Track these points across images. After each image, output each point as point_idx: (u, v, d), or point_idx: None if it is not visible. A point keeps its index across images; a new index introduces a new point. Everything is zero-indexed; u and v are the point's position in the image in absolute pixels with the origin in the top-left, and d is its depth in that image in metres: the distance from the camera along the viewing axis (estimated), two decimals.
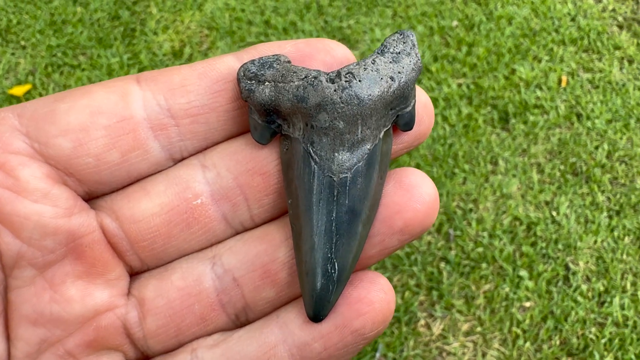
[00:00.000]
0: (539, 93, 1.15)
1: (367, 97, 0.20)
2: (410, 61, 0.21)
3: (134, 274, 0.23)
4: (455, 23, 1.27)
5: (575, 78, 1.17)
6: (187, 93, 0.21)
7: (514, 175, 1.04)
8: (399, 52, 0.21)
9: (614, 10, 1.29)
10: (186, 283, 0.22)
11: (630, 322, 0.89)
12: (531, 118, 1.11)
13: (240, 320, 0.22)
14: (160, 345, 0.22)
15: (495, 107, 1.13)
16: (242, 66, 0.21)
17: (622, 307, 0.90)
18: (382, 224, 0.21)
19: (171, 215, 0.22)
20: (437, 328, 0.90)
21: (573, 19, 1.27)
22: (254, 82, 0.21)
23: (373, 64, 0.20)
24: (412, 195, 0.21)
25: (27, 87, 1.19)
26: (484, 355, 0.87)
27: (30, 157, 0.20)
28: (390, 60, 0.21)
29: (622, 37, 1.24)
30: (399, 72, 0.21)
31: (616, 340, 0.87)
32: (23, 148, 0.20)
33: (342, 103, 0.20)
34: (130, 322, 0.22)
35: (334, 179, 0.20)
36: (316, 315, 0.20)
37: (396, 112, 0.21)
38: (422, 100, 0.22)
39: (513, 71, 1.19)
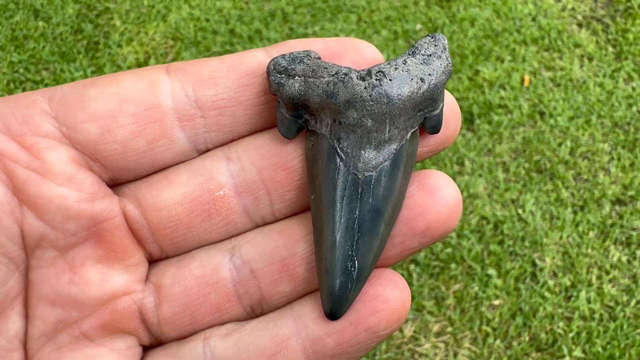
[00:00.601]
0: (502, 93, 1.17)
1: (396, 96, 0.20)
2: (440, 64, 0.21)
3: (153, 262, 0.23)
4: (419, 26, 1.29)
5: (537, 77, 1.19)
6: (215, 85, 0.21)
7: (480, 175, 1.05)
8: (430, 55, 0.21)
9: (573, 9, 1.31)
10: (204, 272, 0.22)
11: (596, 315, 0.91)
12: (495, 118, 1.13)
13: (256, 313, 0.22)
14: (174, 332, 0.22)
15: (460, 108, 1.15)
16: (272, 60, 0.21)
17: (589, 301, 0.92)
18: (403, 225, 0.21)
19: (193, 205, 0.22)
20: (408, 330, 0.90)
21: (534, 19, 1.29)
22: (283, 75, 0.21)
23: (404, 64, 0.20)
24: (435, 198, 0.21)
25: None
26: (455, 355, 0.88)
27: (58, 141, 0.20)
28: (421, 61, 0.21)
29: (581, 35, 1.26)
30: (429, 74, 0.21)
31: (583, 334, 0.89)
32: (51, 131, 0.20)
33: (372, 101, 0.20)
34: (146, 307, 0.22)
35: (359, 176, 0.20)
36: (333, 313, 0.20)
37: (424, 114, 0.21)
38: (449, 103, 0.22)
39: (477, 72, 1.20)
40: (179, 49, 1.26)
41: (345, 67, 0.20)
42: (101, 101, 0.20)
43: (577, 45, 1.25)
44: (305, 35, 1.28)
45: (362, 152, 0.20)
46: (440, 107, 0.21)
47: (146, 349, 0.23)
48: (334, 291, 0.20)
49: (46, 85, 1.21)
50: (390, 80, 0.20)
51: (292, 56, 0.21)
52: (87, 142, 0.21)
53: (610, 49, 1.24)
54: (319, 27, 1.29)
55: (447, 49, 0.21)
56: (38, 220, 0.20)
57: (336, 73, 0.20)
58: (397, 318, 0.21)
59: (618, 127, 1.12)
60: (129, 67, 1.24)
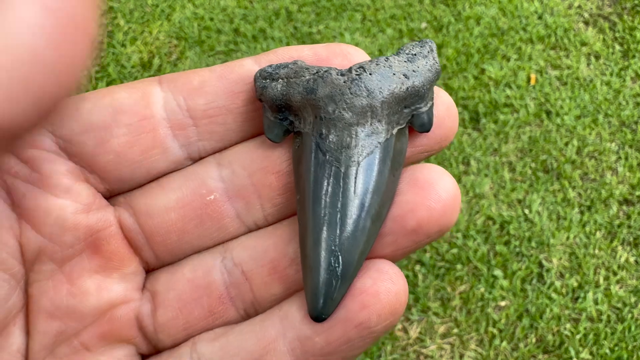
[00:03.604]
0: (508, 92, 1.16)
1: (377, 89, 0.20)
2: (426, 62, 0.21)
3: (150, 270, 0.23)
4: (424, 25, 1.28)
5: (543, 75, 1.18)
6: (205, 94, 0.21)
7: (486, 175, 1.05)
8: (415, 54, 0.21)
9: (579, 6, 1.30)
10: (195, 275, 0.22)
11: (604, 317, 0.90)
12: (501, 117, 1.12)
13: (250, 316, 0.22)
14: (169, 338, 0.22)
15: (466, 108, 1.14)
16: (259, 69, 0.21)
17: (596, 302, 0.91)
18: (394, 224, 0.20)
19: (186, 210, 0.22)
20: (414, 331, 0.90)
21: (540, 17, 1.28)
22: (267, 80, 0.21)
23: (386, 61, 0.20)
24: (426, 193, 0.20)
25: None
26: (461, 356, 0.88)
27: (55, 154, 0.21)
28: (405, 59, 0.21)
29: (588, 33, 1.25)
30: (414, 71, 0.20)
31: (591, 335, 0.88)
32: (48, 144, 0.21)
33: (351, 94, 0.20)
34: (143, 314, 0.22)
35: (342, 170, 0.20)
36: (318, 313, 0.19)
37: (411, 111, 0.21)
38: (445, 102, 0.22)
39: (482, 71, 1.19)
40: (183, 48, 1.26)
41: (327, 67, 0.21)
42: (95, 113, 0.21)
43: (583, 44, 1.24)
44: (310, 34, 1.27)
45: (344, 146, 0.20)
46: (428, 105, 0.21)
47: (145, 358, 0.23)
48: (317, 290, 0.19)
49: None
50: (370, 74, 0.20)
51: (278, 65, 0.21)
52: (82, 153, 0.21)
53: (618, 47, 1.23)
54: (323, 26, 1.28)
55: (434, 51, 0.21)
56: (36, 234, 0.20)
57: (317, 72, 0.20)
58: (390, 311, 0.19)
59: (625, 126, 1.11)
60: (133, 67, 1.23)
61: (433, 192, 0.20)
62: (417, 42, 0.22)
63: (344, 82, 0.20)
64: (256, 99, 0.22)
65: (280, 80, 0.21)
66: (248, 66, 0.22)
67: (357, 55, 0.22)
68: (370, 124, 0.20)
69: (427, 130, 0.21)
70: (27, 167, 0.20)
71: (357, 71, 0.20)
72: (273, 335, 0.20)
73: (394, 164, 0.20)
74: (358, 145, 0.20)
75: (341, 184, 0.20)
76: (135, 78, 1.21)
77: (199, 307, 0.22)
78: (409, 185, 0.20)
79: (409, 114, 0.21)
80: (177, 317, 0.22)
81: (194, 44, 1.26)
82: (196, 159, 0.23)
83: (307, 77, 0.20)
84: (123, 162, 0.21)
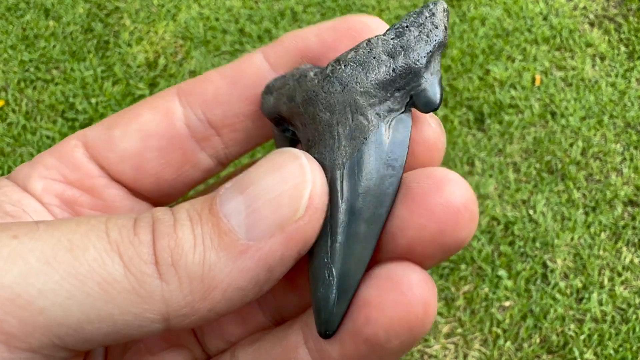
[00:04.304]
0: (513, 93, 1.16)
1: (352, 81, 0.18)
2: (420, 32, 0.18)
3: None
4: None
5: (548, 76, 1.18)
6: (220, 104, 0.22)
7: (491, 176, 1.05)
8: (407, 25, 0.19)
9: (585, 8, 1.30)
10: None
11: (608, 318, 0.90)
12: (506, 118, 1.12)
13: (278, 323, 0.22)
14: (213, 345, 0.23)
15: (471, 108, 1.14)
16: (265, 85, 0.21)
17: (600, 303, 0.91)
18: (388, 241, 0.18)
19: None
20: None
21: (545, 18, 1.28)
22: (267, 95, 0.21)
23: (367, 45, 0.18)
24: (417, 207, 0.17)
25: None
26: (465, 356, 0.88)
27: (107, 179, 0.22)
28: (393, 35, 0.18)
29: (593, 34, 1.25)
30: (401, 47, 0.18)
31: (595, 336, 0.88)
32: (98, 172, 0.22)
33: (325, 93, 0.18)
34: None
35: (328, 176, 0.18)
36: (322, 329, 0.18)
37: (407, 92, 0.18)
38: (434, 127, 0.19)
39: (487, 72, 1.19)
40: (189, 48, 1.26)
41: (306, 68, 0.20)
42: (127, 141, 0.22)
43: (588, 45, 1.24)
44: None
45: (327, 148, 0.18)
46: (430, 81, 0.18)
47: None
48: (316, 306, 0.18)
49: (57, 84, 1.21)
50: (344, 66, 0.18)
51: (280, 76, 0.21)
52: (124, 179, 0.22)
53: (623, 48, 1.23)
54: None
55: (437, 15, 0.19)
56: None
57: (298, 77, 0.19)
58: (402, 327, 0.17)
59: (630, 128, 1.11)
60: (139, 67, 1.24)
61: (424, 208, 0.17)
62: (417, 9, 0.19)
63: (317, 82, 0.19)
64: None
65: (273, 93, 0.20)
66: (257, 64, 0.21)
67: (369, 30, 0.20)
68: (353, 120, 0.18)
69: (434, 109, 0.19)
70: (90, 195, 0.22)
71: (331, 67, 0.19)
72: (295, 344, 0.20)
73: (391, 155, 0.18)
74: (341, 147, 0.18)
75: (328, 191, 0.18)
76: (141, 78, 1.22)
77: (233, 314, 0.22)
78: (402, 195, 0.18)
79: (406, 95, 0.19)
80: (214, 326, 0.22)
81: (199, 44, 1.27)
82: (226, 164, 0.23)
83: (290, 85, 0.19)
84: (161, 182, 0.22)
